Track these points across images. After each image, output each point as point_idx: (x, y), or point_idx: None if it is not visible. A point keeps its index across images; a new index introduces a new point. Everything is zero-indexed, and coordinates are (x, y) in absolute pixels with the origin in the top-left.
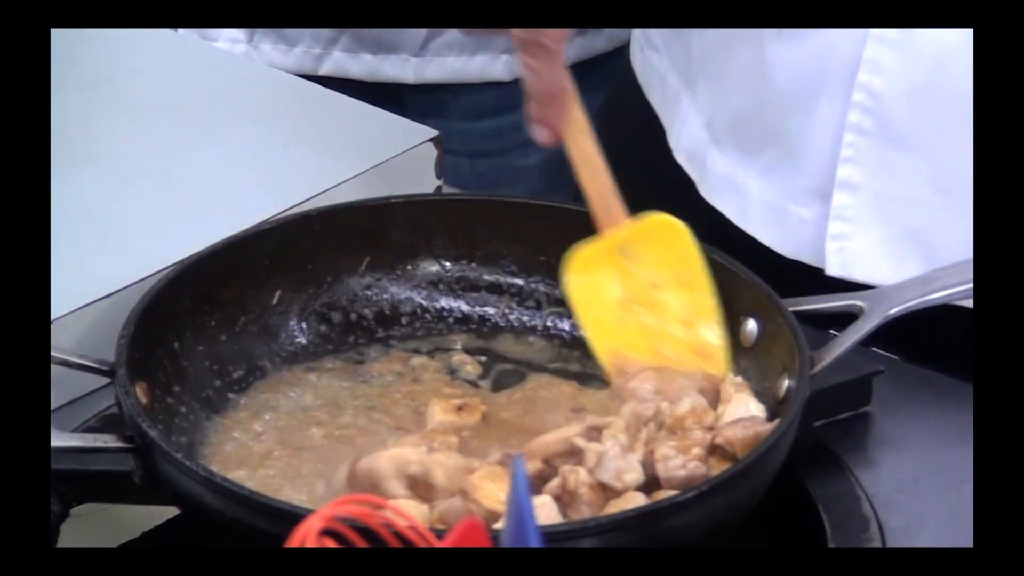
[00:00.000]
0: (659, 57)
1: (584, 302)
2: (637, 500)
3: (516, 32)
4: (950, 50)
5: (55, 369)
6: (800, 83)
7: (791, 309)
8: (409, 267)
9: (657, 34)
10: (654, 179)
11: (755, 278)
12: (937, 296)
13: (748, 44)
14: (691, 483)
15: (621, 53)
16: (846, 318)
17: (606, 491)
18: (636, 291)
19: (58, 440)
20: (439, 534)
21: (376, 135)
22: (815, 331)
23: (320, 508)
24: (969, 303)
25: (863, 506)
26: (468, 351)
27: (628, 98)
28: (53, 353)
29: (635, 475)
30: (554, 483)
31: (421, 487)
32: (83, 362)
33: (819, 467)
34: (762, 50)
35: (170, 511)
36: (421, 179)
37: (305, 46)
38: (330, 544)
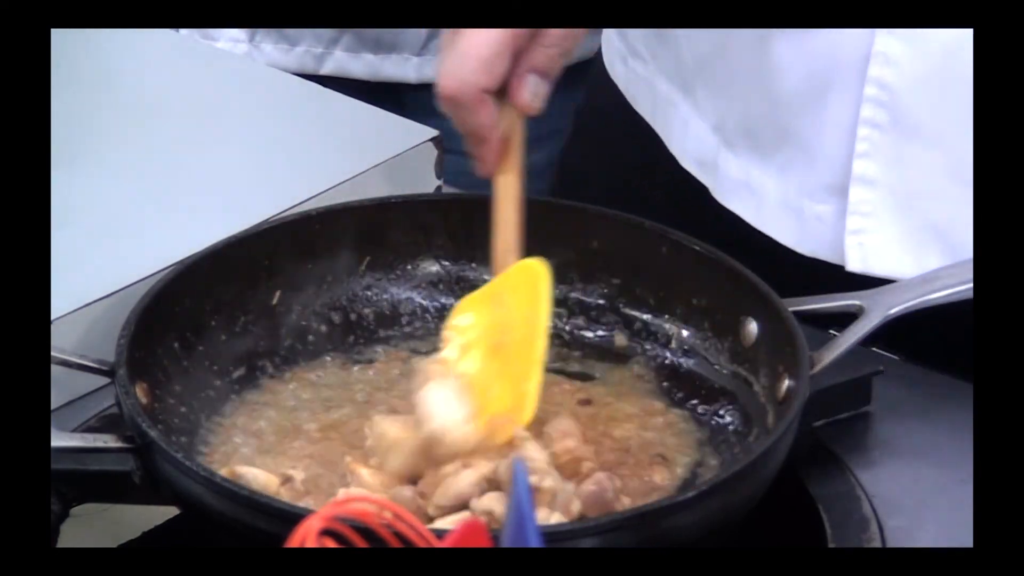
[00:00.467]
0: (644, 66)
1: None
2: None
3: (439, 87)
4: (960, 39)
5: (55, 369)
6: (810, 80)
7: (791, 309)
8: (409, 267)
9: (641, 43)
10: (648, 187)
11: (755, 278)
12: (937, 296)
13: (749, 45)
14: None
15: (592, 64)
16: (846, 318)
17: None
18: (491, 337)
19: (58, 440)
20: (439, 534)
21: (376, 135)
22: (815, 331)
23: (320, 508)
24: (969, 303)
25: (863, 506)
26: None
27: (607, 108)
28: (53, 353)
29: (578, 504)
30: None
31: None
32: (83, 362)
33: (819, 467)
34: (767, 50)
35: (170, 511)
36: (421, 179)
37: (306, 46)
38: (330, 544)
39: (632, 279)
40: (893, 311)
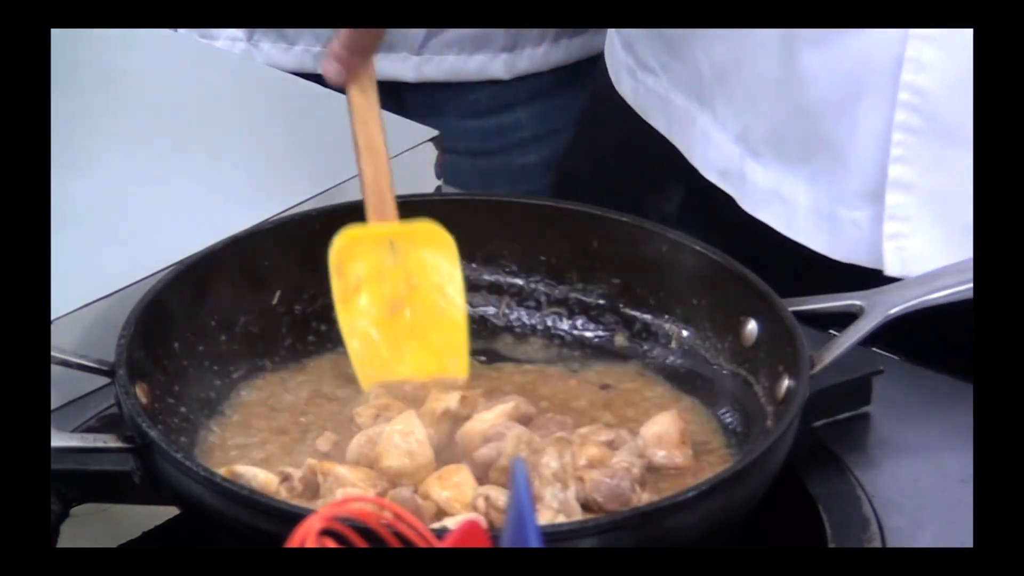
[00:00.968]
0: (656, 79)
1: (343, 280)
2: None
3: None
4: None
5: (55, 369)
6: (841, 88)
7: (791, 309)
8: None
9: (651, 57)
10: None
11: (755, 278)
12: (937, 296)
13: (773, 55)
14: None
15: (595, 66)
16: (846, 318)
17: None
18: (395, 287)
19: (58, 440)
20: (439, 534)
21: None
22: (815, 331)
23: (320, 508)
24: (969, 303)
25: (863, 506)
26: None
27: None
28: (53, 353)
29: (578, 512)
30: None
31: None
32: (83, 362)
33: (819, 467)
34: (793, 60)
35: (170, 511)
36: (421, 179)
37: (305, 44)
38: (330, 544)
39: (632, 279)
40: (893, 311)
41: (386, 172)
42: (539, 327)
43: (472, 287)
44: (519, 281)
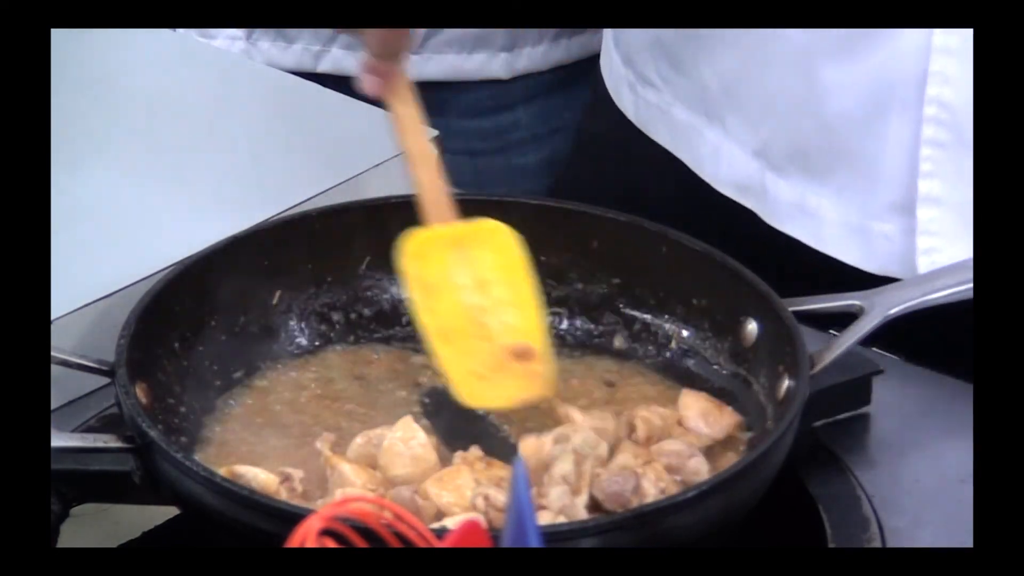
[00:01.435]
0: (658, 94)
1: (424, 287)
2: None
3: None
4: None
5: (55, 369)
6: (866, 102)
7: (791, 309)
8: None
9: (652, 71)
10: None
11: (755, 278)
12: (937, 296)
13: (789, 70)
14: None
15: (594, 63)
16: (846, 318)
17: None
18: (469, 287)
19: (58, 440)
20: (439, 534)
21: (376, 135)
22: (815, 331)
23: (320, 508)
24: (969, 303)
25: (863, 506)
26: None
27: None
28: (53, 353)
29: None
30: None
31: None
32: (83, 362)
33: (819, 467)
34: (813, 75)
35: (170, 511)
36: None
37: (304, 43)
38: (330, 544)
39: (632, 279)
40: (893, 311)
41: (438, 176)
42: None
43: None
44: None
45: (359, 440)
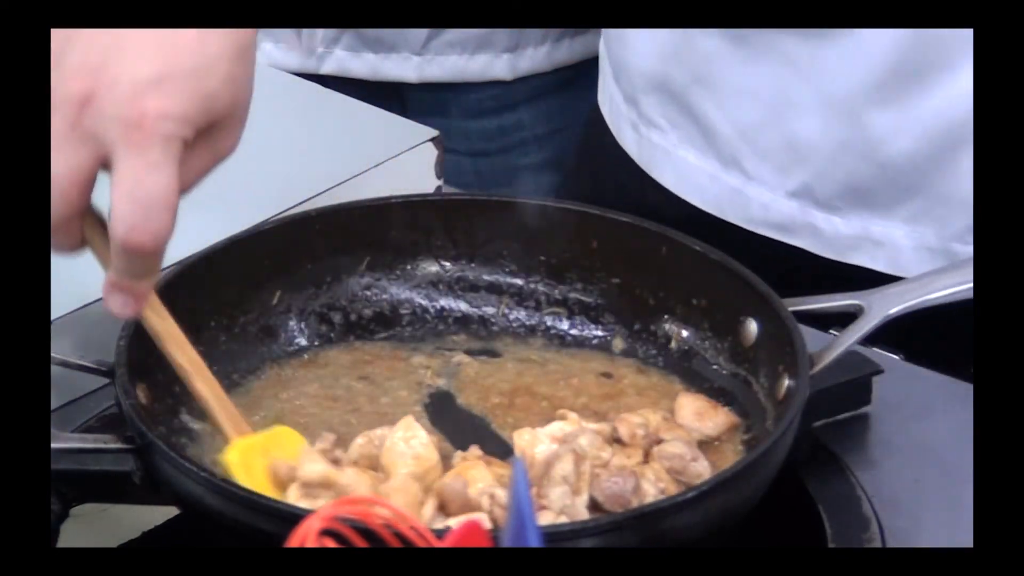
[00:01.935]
0: (663, 136)
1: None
2: None
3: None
4: None
5: (55, 369)
6: (930, 144)
7: (791, 309)
8: (409, 267)
9: (657, 113)
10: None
11: (755, 278)
12: (937, 296)
13: (831, 120)
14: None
15: (596, 64)
16: (846, 318)
17: None
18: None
19: (58, 441)
20: (439, 534)
21: (376, 135)
22: (815, 331)
23: (320, 508)
24: (969, 303)
25: (863, 506)
26: (468, 351)
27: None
28: (53, 354)
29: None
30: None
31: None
32: (83, 362)
33: (819, 467)
34: (859, 122)
35: (170, 511)
36: (421, 179)
37: (308, 44)
38: (330, 544)
39: (632, 279)
40: (893, 311)
41: (218, 387)
42: (539, 327)
43: (472, 287)
44: (519, 281)
45: (360, 440)
